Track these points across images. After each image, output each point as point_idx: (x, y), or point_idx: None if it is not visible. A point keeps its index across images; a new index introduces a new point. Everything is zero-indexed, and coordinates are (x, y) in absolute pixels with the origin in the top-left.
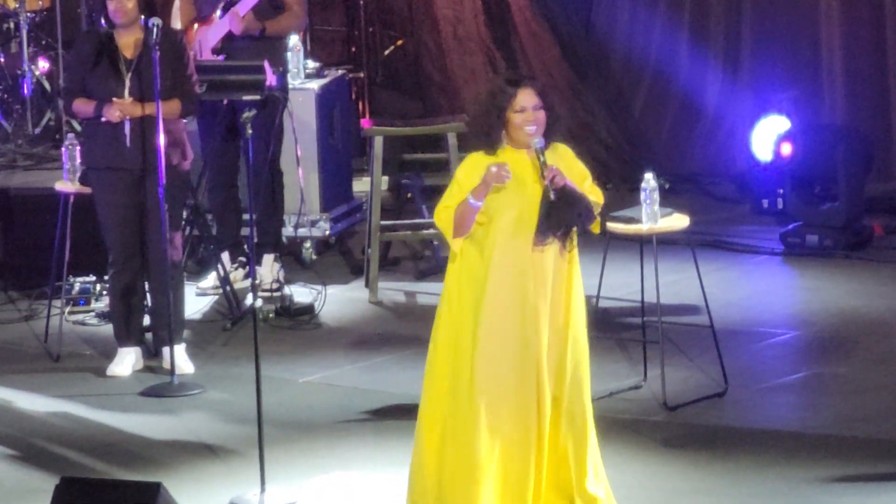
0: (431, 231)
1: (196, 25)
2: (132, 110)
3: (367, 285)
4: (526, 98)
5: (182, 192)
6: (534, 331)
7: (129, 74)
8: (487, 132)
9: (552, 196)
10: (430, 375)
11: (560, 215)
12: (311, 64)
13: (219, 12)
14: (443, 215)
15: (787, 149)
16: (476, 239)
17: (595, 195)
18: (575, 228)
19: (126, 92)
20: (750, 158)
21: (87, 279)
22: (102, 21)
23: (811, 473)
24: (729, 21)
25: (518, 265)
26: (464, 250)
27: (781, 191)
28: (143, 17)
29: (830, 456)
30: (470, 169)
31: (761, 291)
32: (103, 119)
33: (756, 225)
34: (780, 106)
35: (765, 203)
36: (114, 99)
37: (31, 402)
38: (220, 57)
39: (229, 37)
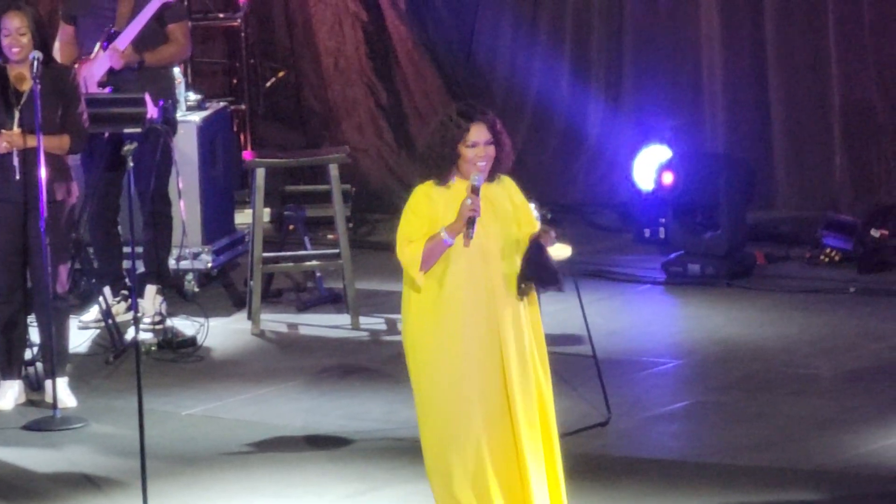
0: (314, 263)
1: (76, 64)
2: (20, 142)
3: (249, 317)
4: (478, 133)
5: (67, 226)
6: (495, 360)
7: (20, 107)
8: (439, 163)
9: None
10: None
11: (533, 272)
12: (193, 96)
13: (97, 48)
14: (407, 250)
15: (668, 178)
16: (433, 272)
17: (534, 227)
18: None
19: (15, 124)
20: (632, 187)
21: None
22: None
23: (694, 502)
24: (610, 50)
25: (476, 297)
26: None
27: (663, 220)
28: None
29: (713, 484)
30: (422, 198)
31: (644, 321)
32: None
33: (638, 254)
34: (662, 135)
35: (647, 232)
36: (2, 131)
37: None
38: (108, 89)
39: (114, 69)
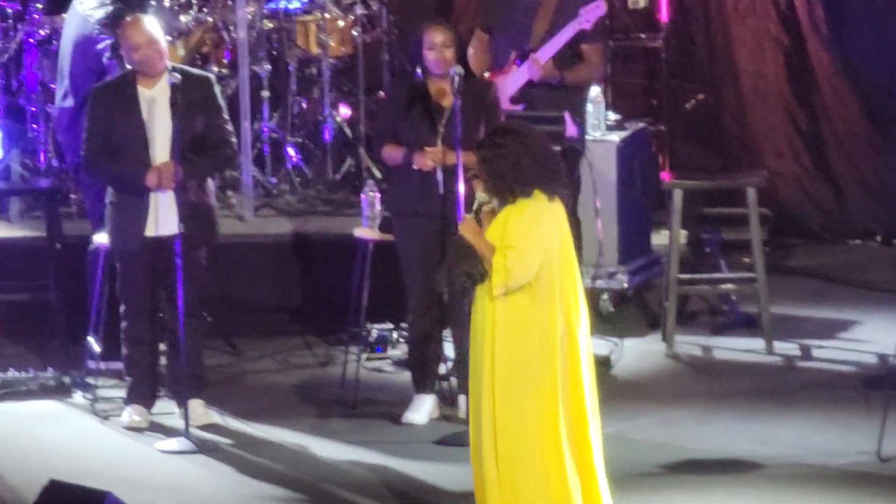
0: (730, 286)
1: (487, 74)
2: (443, 159)
3: (664, 339)
4: None
5: None
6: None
7: (443, 123)
8: None
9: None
10: None
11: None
12: (612, 116)
13: (510, 62)
14: None
15: None
16: None
17: (499, 263)
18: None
19: (439, 140)
20: None
21: (385, 326)
22: (419, 71)
23: None
24: None
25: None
26: None
27: None
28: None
29: None
30: None
31: None
32: (414, 167)
33: None
34: None
35: None
36: (426, 148)
37: (326, 449)
38: (520, 106)
39: (527, 85)
